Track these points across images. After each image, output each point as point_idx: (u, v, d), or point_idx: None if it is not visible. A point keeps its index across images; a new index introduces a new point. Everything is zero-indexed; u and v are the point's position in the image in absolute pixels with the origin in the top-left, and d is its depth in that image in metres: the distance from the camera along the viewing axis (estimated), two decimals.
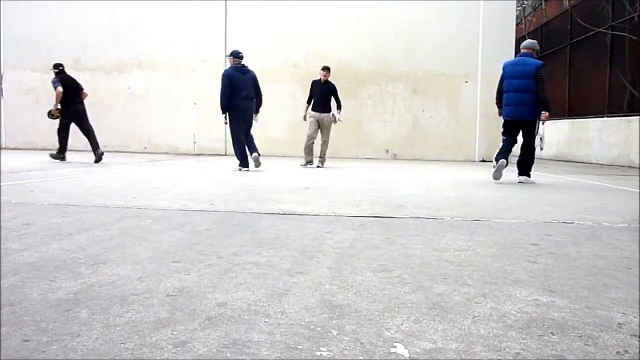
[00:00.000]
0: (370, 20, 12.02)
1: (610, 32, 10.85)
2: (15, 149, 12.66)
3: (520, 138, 6.10)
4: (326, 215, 3.35)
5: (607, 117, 10.89)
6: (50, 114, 8.40)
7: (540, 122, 5.99)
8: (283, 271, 1.97)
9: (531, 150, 6.03)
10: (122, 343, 1.28)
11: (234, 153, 7.40)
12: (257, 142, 7.44)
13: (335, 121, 8.30)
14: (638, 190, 5.32)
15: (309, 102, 8.35)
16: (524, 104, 5.80)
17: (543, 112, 5.86)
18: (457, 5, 11.75)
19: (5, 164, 7.44)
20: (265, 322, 1.44)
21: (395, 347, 1.28)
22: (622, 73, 10.58)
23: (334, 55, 11.70)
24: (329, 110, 8.26)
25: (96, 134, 8.49)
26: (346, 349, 1.26)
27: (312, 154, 8.27)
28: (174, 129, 12.59)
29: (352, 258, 2.20)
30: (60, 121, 8.42)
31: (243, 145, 7.25)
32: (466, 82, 11.82)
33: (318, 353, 1.24)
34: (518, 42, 12.44)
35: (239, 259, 2.15)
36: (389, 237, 2.68)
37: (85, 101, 8.59)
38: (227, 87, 6.98)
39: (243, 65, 7.22)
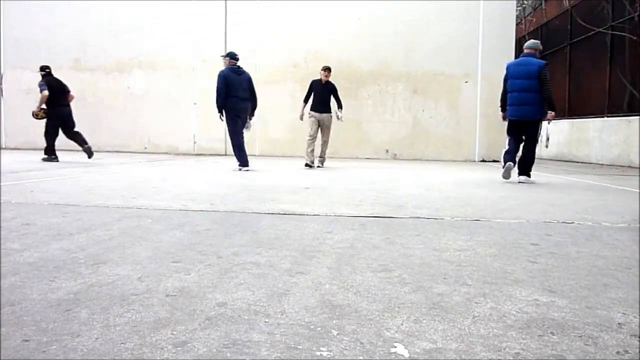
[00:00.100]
0: (370, 20, 12.02)
1: (610, 32, 10.85)
2: (15, 149, 12.66)
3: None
4: (326, 215, 3.35)
5: (607, 117, 10.90)
6: (35, 115, 8.47)
7: (546, 122, 6.07)
8: (283, 271, 1.97)
9: (532, 150, 6.04)
10: (122, 343, 1.28)
11: (233, 153, 7.42)
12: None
13: (339, 118, 8.32)
14: (638, 190, 5.32)
15: (305, 102, 8.31)
16: (528, 104, 5.86)
17: (549, 112, 5.94)
18: (457, 5, 11.76)
19: (5, 164, 7.44)
20: (265, 322, 1.44)
21: (395, 347, 1.28)
22: (622, 73, 10.58)
23: (334, 55, 11.70)
24: (329, 110, 8.25)
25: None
26: (346, 349, 1.26)
27: (314, 154, 8.24)
28: (174, 129, 12.59)
29: (352, 258, 2.20)
30: (47, 124, 8.48)
31: (242, 145, 7.28)
32: (466, 82, 11.83)
33: (318, 353, 1.24)
34: (518, 42, 12.49)
35: (239, 259, 2.15)
36: (389, 237, 2.68)
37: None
38: (223, 88, 7.10)
39: (239, 67, 7.33)
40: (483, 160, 11.72)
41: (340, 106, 8.35)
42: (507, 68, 6.11)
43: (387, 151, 12.16)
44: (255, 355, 1.21)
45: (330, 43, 12.00)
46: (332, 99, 8.34)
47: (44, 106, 8.34)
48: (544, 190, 5.17)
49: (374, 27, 11.99)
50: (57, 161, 8.36)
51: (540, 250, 2.43)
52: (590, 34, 11.64)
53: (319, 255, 2.25)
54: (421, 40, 11.89)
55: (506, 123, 6.21)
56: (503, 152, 6.16)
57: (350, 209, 3.60)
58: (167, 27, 12.45)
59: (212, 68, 11.87)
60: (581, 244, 2.57)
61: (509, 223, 3.16)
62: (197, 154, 12.27)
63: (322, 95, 8.20)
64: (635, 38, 10.02)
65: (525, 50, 6.08)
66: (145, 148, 12.76)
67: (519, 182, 5.97)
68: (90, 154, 8.39)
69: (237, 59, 7.35)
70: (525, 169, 6.05)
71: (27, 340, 1.28)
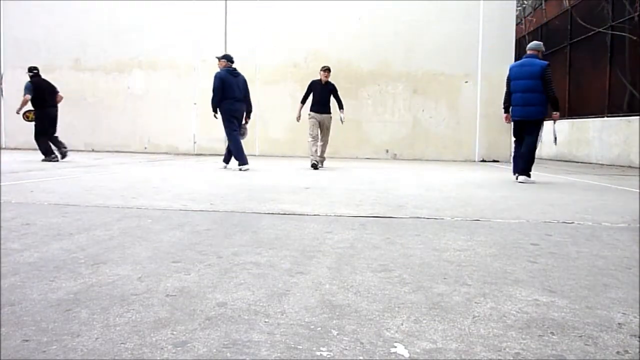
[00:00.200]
0: (370, 20, 12.02)
1: (610, 32, 10.85)
2: (15, 149, 12.66)
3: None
4: (326, 215, 3.35)
5: (607, 117, 10.90)
6: (26, 116, 8.55)
7: (552, 122, 6.23)
8: (283, 271, 1.97)
9: (532, 150, 6.05)
10: (122, 343, 1.28)
11: (232, 153, 7.43)
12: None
13: (342, 121, 8.31)
14: (638, 190, 5.32)
15: (303, 102, 8.27)
16: (531, 104, 5.94)
17: (554, 112, 6.04)
18: (457, 5, 11.75)
19: (5, 164, 7.44)
20: (265, 322, 1.44)
21: (395, 347, 1.28)
22: (622, 73, 10.58)
23: (334, 55, 11.70)
24: (329, 110, 8.22)
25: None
26: (346, 349, 1.26)
27: (317, 154, 8.17)
28: (174, 129, 12.59)
29: (352, 258, 2.20)
30: (36, 127, 8.51)
31: (240, 143, 7.32)
32: (466, 82, 11.82)
33: (318, 353, 1.24)
34: (518, 42, 12.49)
35: (239, 259, 2.15)
36: (389, 237, 2.68)
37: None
38: (220, 88, 7.20)
39: (234, 69, 7.43)
40: (483, 160, 11.72)
41: (341, 106, 8.32)
42: (510, 69, 6.21)
43: (387, 151, 12.16)
44: (255, 355, 1.21)
45: (330, 43, 12.00)
46: (332, 100, 8.32)
47: (31, 108, 8.44)
48: (544, 190, 5.17)
49: (374, 27, 11.99)
50: (57, 161, 8.36)
51: (540, 250, 2.43)
52: (590, 34, 11.64)
53: (319, 255, 2.25)
54: (421, 40, 11.88)
55: (506, 123, 6.23)
56: (512, 157, 6.19)
57: (350, 209, 3.60)
58: (167, 27, 12.45)
59: (212, 68, 11.80)
60: (581, 244, 2.57)
61: (509, 223, 3.16)
62: (197, 154, 12.27)
63: (322, 95, 8.17)
64: (635, 38, 10.02)
65: (528, 52, 6.15)
66: (145, 148, 12.76)
67: (519, 182, 5.97)
68: (64, 155, 8.57)
69: (233, 62, 7.47)
70: (525, 168, 6.06)
71: (27, 340, 1.28)
